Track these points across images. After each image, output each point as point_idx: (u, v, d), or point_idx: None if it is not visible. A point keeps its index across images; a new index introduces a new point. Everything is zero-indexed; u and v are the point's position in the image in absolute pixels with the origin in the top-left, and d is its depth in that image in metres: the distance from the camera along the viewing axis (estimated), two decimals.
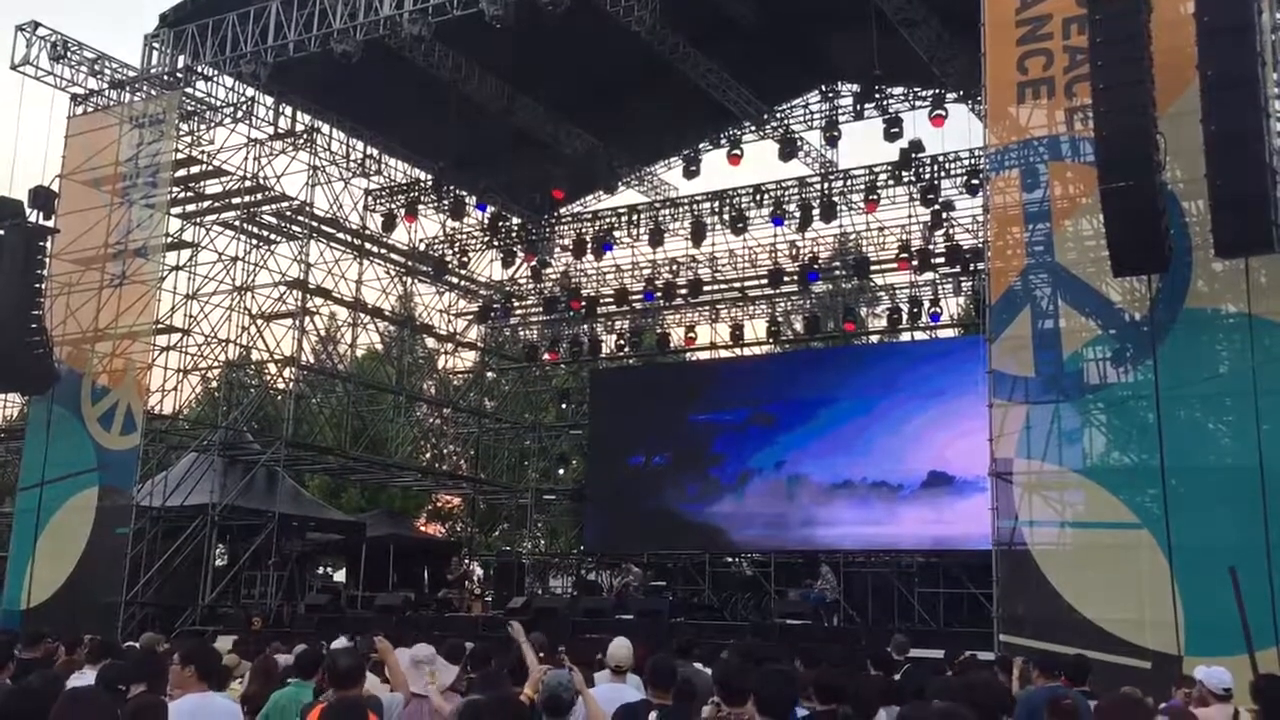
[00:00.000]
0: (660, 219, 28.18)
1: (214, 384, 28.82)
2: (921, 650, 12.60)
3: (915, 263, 25.74)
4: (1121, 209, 12.70)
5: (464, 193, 28.01)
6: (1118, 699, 4.91)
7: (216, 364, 25.47)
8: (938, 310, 27.06)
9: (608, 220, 29.27)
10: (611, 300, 29.88)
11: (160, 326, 22.39)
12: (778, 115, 26.10)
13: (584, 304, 29.70)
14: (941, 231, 25.45)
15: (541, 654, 10.20)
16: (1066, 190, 15.15)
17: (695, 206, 27.86)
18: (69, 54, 22.30)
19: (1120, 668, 12.10)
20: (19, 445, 23.73)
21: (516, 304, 31.96)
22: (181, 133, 22.53)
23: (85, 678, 6.77)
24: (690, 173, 26.38)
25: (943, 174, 24.93)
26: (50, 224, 21.10)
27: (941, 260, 25.73)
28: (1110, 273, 13.76)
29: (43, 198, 20.96)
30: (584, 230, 29.33)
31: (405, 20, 19.12)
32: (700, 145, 27.03)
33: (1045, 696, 6.11)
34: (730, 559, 26.65)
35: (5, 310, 19.78)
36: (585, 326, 31.16)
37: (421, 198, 28.26)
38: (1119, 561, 13.55)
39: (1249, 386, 13.04)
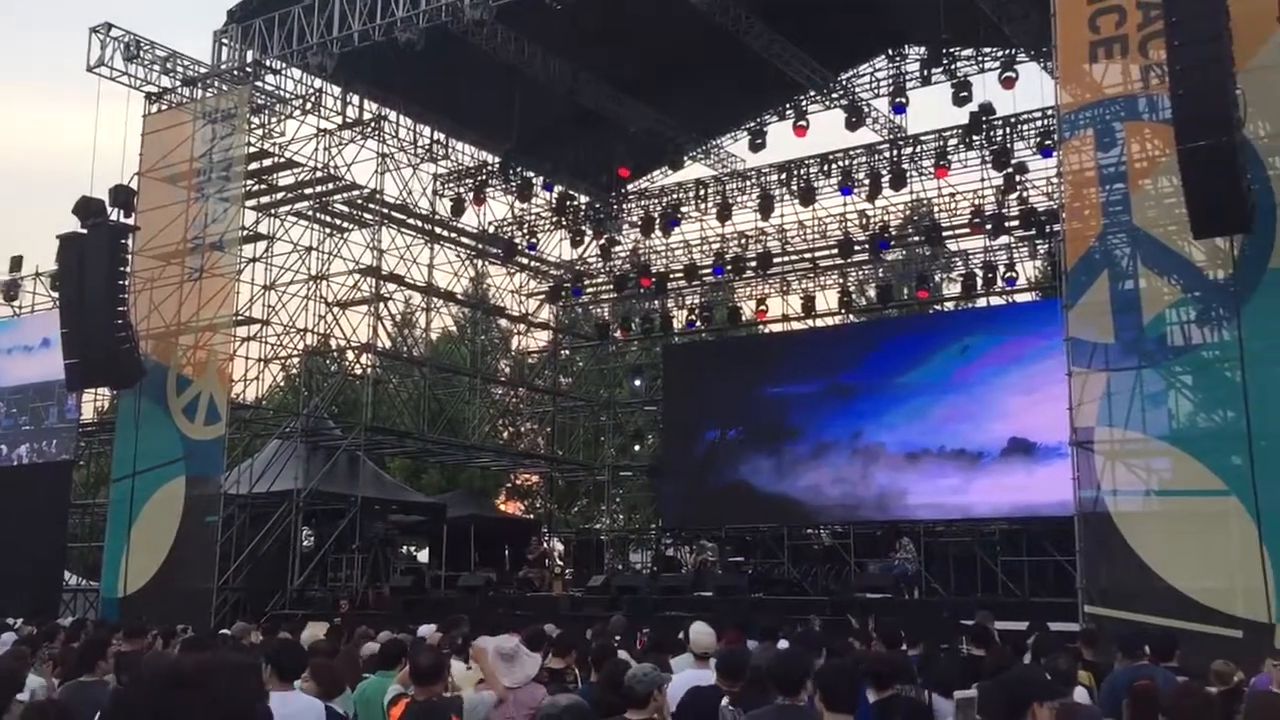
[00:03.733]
0: (727, 192, 27.99)
1: (294, 372, 29.41)
2: (1006, 624, 12.43)
3: (989, 227, 25.28)
4: (1201, 169, 12.33)
5: (531, 174, 28.14)
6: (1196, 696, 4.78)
7: (296, 352, 26.02)
8: (1013, 275, 26.54)
9: (675, 196, 29.15)
10: (681, 276, 29.81)
11: (240, 318, 22.92)
12: (843, 83, 25.72)
13: (654, 280, 29.67)
14: (1015, 195, 24.94)
15: (618, 638, 10.30)
16: (1144, 149, 14.76)
17: (762, 178, 27.62)
18: (141, 53, 22.66)
19: (1211, 638, 11.85)
20: (110, 438, 24.42)
21: (587, 282, 32.04)
22: (253, 126, 22.88)
23: None
24: (756, 145, 26.20)
25: (1015, 136, 24.34)
26: (131, 221, 21.56)
27: (1016, 224, 25.22)
28: (1191, 232, 13.40)
29: (123, 196, 21.47)
30: (651, 207, 29.26)
31: (466, 5, 19.18)
32: (765, 117, 26.82)
33: (1128, 678, 5.97)
34: (809, 531, 26.50)
35: (93, 307, 20.29)
36: (656, 302, 31.16)
37: (489, 181, 28.44)
38: (1207, 529, 13.25)
39: None
